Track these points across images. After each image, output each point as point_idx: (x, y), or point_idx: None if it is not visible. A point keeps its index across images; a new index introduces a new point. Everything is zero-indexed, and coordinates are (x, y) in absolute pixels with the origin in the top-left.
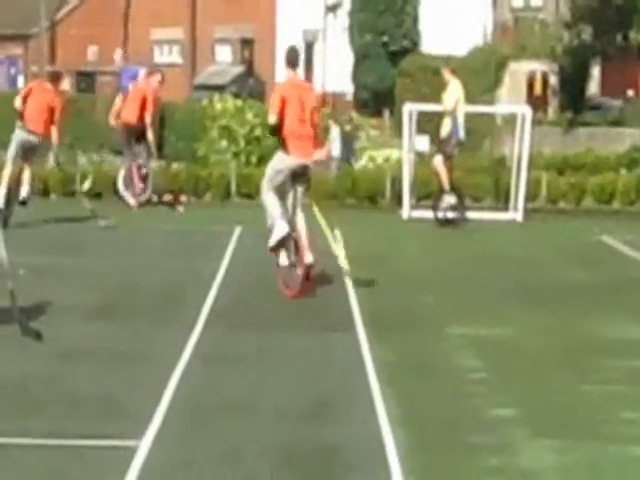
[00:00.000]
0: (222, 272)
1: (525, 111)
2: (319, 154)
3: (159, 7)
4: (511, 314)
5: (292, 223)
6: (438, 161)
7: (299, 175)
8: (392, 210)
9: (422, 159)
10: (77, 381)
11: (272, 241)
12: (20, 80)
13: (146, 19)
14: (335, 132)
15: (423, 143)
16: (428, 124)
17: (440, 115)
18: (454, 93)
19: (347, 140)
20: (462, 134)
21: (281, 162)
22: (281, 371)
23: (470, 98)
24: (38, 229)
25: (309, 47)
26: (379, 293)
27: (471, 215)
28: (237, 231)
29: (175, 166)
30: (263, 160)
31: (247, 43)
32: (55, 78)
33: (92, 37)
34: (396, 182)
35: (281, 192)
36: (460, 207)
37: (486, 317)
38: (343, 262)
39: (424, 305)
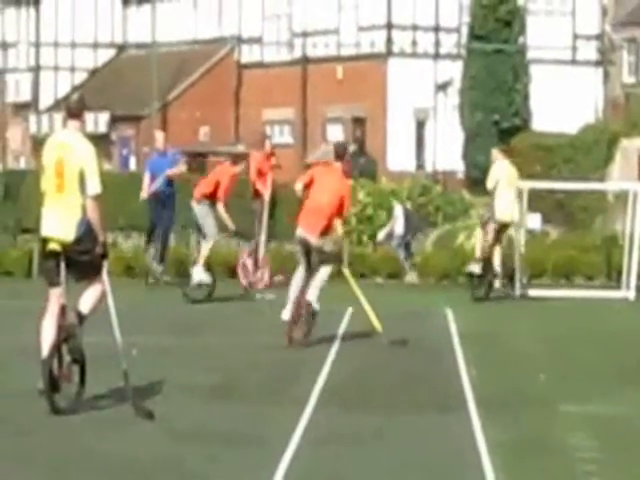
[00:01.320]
0: (333, 355)
1: (637, 188)
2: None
3: (270, 87)
4: (624, 393)
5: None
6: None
7: (310, 251)
8: (504, 288)
9: (534, 237)
10: (191, 462)
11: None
12: (132, 161)
13: (257, 100)
14: (399, 210)
15: (535, 221)
16: (540, 202)
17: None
18: (495, 174)
19: (411, 218)
20: (506, 213)
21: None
22: (390, 453)
23: (581, 175)
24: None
25: (420, 125)
26: (491, 371)
27: (583, 293)
28: (349, 311)
29: (288, 247)
30: (374, 238)
31: (358, 122)
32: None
33: (204, 118)
34: (507, 260)
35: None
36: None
37: (597, 396)
38: (375, 323)
39: (536, 384)
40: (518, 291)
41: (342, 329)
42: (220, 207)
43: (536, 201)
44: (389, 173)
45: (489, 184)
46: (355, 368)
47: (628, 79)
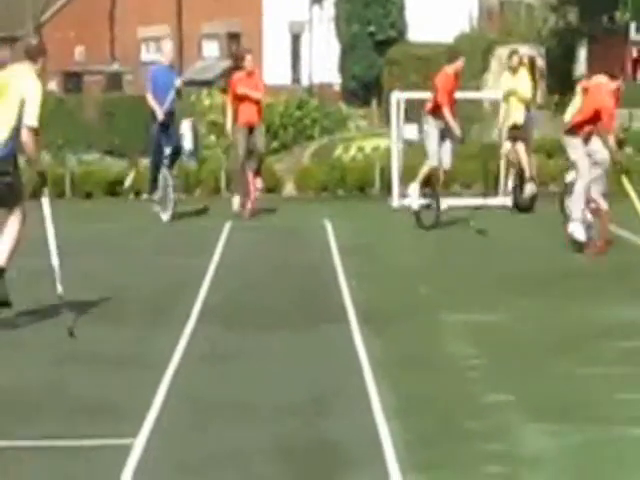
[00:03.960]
0: (213, 268)
1: None
2: None
3: (145, 6)
4: (505, 301)
5: None
6: (522, 149)
7: None
8: (382, 199)
9: (411, 147)
10: (73, 384)
11: None
12: None
13: (132, 18)
14: (186, 126)
15: (412, 131)
16: (417, 112)
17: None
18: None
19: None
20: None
21: None
22: (274, 369)
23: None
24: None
25: (296, 39)
26: (371, 283)
27: (461, 202)
28: (227, 226)
29: None
30: (228, 152)
31: (234, 37)
32: None
33: (78, 38)
34: (385, 171)
35: None
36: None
37: (479, 305)
38: None
39: (416, 294)
40: (396, 202)
41: (220, 247)
42: None
43: (413, 111)
44: (265, 87)
45: (528, 92)
46: (234, 286)
47: None
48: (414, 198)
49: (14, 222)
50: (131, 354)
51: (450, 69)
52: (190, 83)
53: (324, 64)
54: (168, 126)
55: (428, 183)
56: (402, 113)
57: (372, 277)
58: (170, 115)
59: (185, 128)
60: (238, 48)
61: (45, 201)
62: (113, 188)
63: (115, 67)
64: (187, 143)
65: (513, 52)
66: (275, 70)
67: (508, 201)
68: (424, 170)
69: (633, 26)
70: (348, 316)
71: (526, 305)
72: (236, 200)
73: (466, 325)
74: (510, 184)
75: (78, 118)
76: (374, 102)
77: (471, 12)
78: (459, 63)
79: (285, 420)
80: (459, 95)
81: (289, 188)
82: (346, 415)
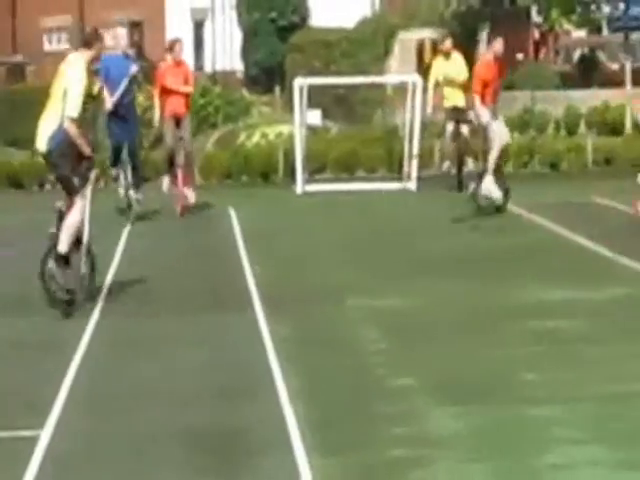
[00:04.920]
0: (118, 257)
1: (415, 79)
2: None
3: None
4: (411, 285)
5: None
6: (466, 131)
7: None
8: (286, 186)
9: (314, 133)
10: None
11: None
12: None
13: (34, 8)
14: None
15: (315, 117)
16: (320, 98)
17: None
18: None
19: None
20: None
21: None
22: (180, 355)
23: (360, 69)
24: None
25: (198, 26)
26: (275, 269)
27: (365, 186)
28: (132, 214)
29: None
30: (158, 143)
31: (136, 26)
32: None
33: None
34: (289, 157)
35: None
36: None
37: (385, 289)
38: None
39: (322, 279)
40: (300, 188)
41: (124, 235)
42: None
43: (316, 97)
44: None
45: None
46: (140, 273)
47: None
48: (494, 189)
49: (74, 211)
50: (38, 341)
51: (489, 54)
52: (93, 73)
53: (227, 51)
54: (124, 118)
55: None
56: (305, 99)
57: (276, 263)
58: (126, 106)
59: None
60: (141, 37)
61: (90, 183)
62: (15, 180)
63: (18, 58)
64: None
65: (444, 36)
66: None
67: (411, 185)
68: (494, 155)
69: (535, 9)
70: (252, 301)
71: (435, 288)
72: (165, 180)
73: (373, 310)
74: (446, 165)
75: None
76: (277, 89)
77: None
78: (497, 46)
79: (192, 406)
80: (361, 80)
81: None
82: (252, 399)
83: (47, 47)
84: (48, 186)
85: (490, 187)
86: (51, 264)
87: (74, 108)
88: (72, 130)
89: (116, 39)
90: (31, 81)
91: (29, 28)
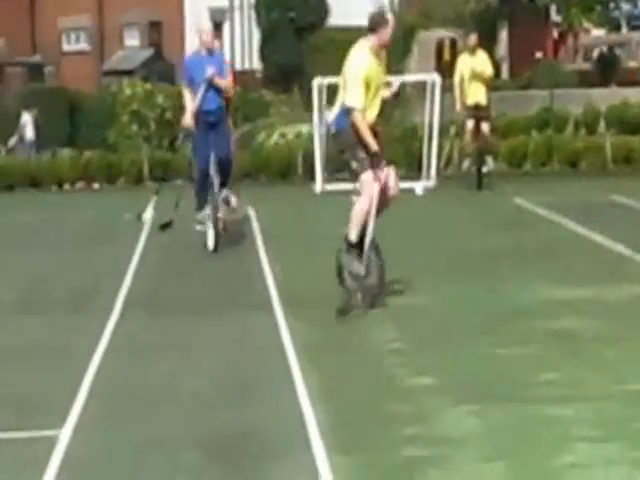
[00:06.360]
0: (135, 262)
1: (434, 78)
2: None
3: None
4: (429, 284)
5: None
6: (487, 129)
7: None
8: (305, 185)
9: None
10: None
11: None
12: None
13: (52, 8)
14: (26, 117)
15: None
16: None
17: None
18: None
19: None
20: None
21: None
22: (200, 356)
23: None
24: None
25: (217, 26)
26: (294, 268)
27: None
28: (147, 218)
29: (87, 154)
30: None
31: (155, 26)
32: None
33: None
34: (308, 157)
35: None
36: None
37: (402, 289)
38: None
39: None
40: (319, 187)
41: (143, 237)
42: None
43: (335, 96)
44: None
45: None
46: (159, 274)
47: None
48: None
49: (361, 199)
50: (57, 342)
51: None
52: (112, 73)
53: (246, 51)
54: (215, 126)
55: None
56: (324, 98)
57: (295, 262)
58: (212, 114)
59: (26, 119)
60: (159, 37)
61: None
62: (35, 179)
63: (37, 58)
64: (29, 133)
65: (470, 32)
66: None
67: (430, 183)
68: None
69: (553, 8)
70: (272, 301)
71: (452, 288)
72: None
73: (390, 309)
74: (466, 164)
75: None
76: (296, 88)
77: None
78: None
79: (211, 407)
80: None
81: None
82: (272, 400)
83: (66, 47)
84: (67, 186)
85: None
86: (344, 258)
87: (351, 98)
88: (357, 121)
89: (200, 37)
90: (50, 82)
91: (48, 28)
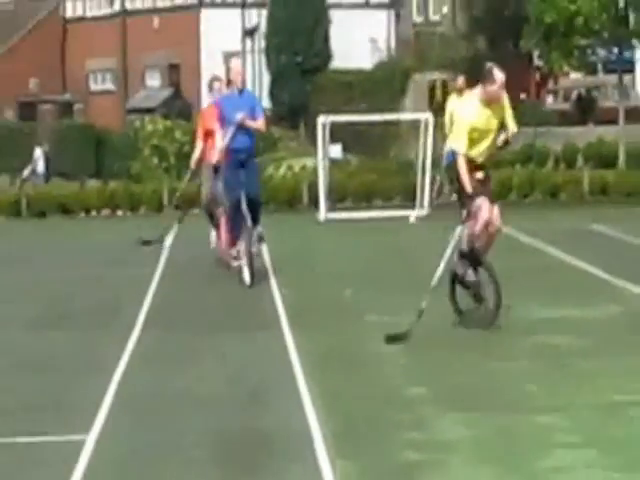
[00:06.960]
0: (156, 281)
1: (427, 117)
2: None
3: (92, 39)
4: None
5: None
6: None
7: None
8: (309, 213)
9: (336, 165)
10: (22, 391)
11: None
12: None
13: (81, 51)
14: (38, 152)
15: (337, 151)
16: (341, 133)
17: None
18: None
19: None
20: None
21: None
22: (215, 368)
23: (378, 107)
24: None
25: (230, 69)
26: (301, 290)
27: (383, 213)
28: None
29: (112, 185)
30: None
31: (174, 68)
32: None
33: (33, 70)
34: (312, 187)
35: None
36: None
37: (400, 307)
38: None
39: (342, 299)
40: (322, 215)
41: (164, 256)
42: None
43: (337, 132)
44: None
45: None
46: (178, 292)
47: (417, 19)
48: None
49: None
50: (84, 352)
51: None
52: (135, 110)
53: (257, 91)
54: (245, 164)
55: None
56: (328, 134)
57: (301, 285)
58: (242, 152)
59: (38, 154)
60: (178, 78)
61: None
62: (65, 207)
63: (67, 97)
64: (40, 167)
65: (457, 75)
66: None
67: (424, 212)
68: None
69: (536, 53)
70: (280, 320)
71: (446, 306)
72: (213, 234)
73: (389, 326)
74: (455, 195)
75: (32, 143)
76: (302, 125)
77: (389, 41)
78: None
79: (223, 415)
80: (378, 117)
81: None
82: (279, 408)
83: (93, 87)
84: (93, 213)
85: None
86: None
87: (457, 143)
88: (456, 163)
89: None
90: (78, 118)
91: (76, 69)
